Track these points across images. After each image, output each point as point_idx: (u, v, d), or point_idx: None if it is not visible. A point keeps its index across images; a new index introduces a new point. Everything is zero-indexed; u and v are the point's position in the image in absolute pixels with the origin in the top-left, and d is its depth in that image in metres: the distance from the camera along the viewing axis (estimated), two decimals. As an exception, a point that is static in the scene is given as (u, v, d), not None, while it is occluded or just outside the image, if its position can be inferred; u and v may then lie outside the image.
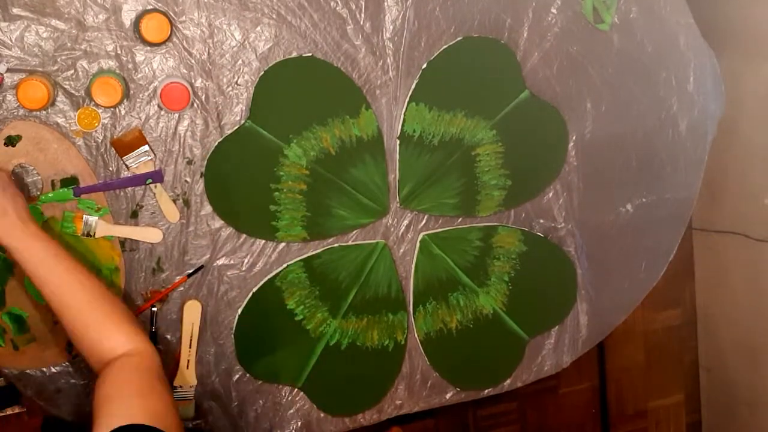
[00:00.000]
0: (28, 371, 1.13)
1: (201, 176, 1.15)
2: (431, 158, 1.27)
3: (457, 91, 1.26)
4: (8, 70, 1.04)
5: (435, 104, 1.25)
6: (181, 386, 1.19)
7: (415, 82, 1.23)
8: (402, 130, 1.24)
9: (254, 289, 1.21)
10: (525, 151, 1.32)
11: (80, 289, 0.94)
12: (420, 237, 1.29)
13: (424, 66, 1.23)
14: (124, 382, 0.89)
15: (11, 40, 1.03)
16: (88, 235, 1.10)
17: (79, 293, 0.94)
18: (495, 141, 1.30)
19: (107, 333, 0.93)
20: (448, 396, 1.37)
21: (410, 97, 1.23)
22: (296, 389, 1.27)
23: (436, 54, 1.23)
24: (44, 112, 1.06)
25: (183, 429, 0.89)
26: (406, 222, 1.27)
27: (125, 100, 1.09)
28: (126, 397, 0.86)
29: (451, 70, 1.25)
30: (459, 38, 1.24)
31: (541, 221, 1.36)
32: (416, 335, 1.32)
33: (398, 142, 1.24)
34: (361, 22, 1.19)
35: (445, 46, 1.23)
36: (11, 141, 1.05)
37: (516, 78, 1.29)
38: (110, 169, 1.11)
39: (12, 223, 0.93)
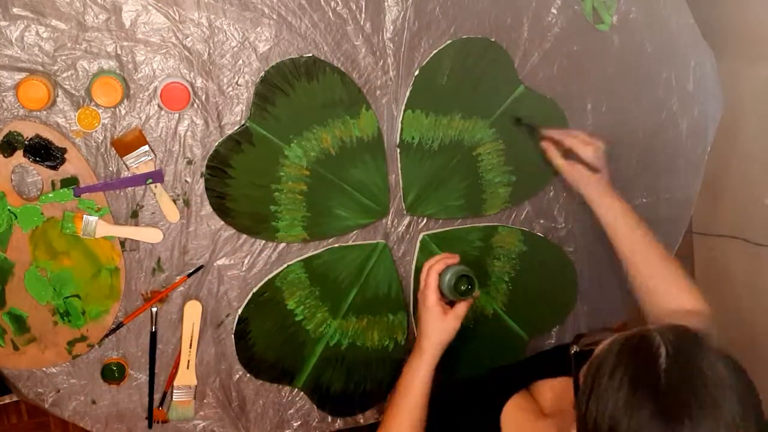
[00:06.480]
0: (28, 371, 1.13)
1: (201, 176, 1.15)
2: (433, 163, 1.26)
3: (451, 94, 1.25)
4: (8, 70, 1.04)
5: (431, 109, 1.25)
6: (181, 386, 1.19)
7: (409, 89, 1.23)
8: (401, 138, 1.24)
9: (254, 289, 1.21)
10: (526, 144, 1.31)
11: (646, 252, 1.15)
12: (420, 237, 1.29)
13: (417, 73, 1.23)
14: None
15: (11, 40, 1.03)
16: (89, 235, 1.10)
17: (645, 256, 1.15)
18: (495, 139, 1.30)
19: (668, 293, 1.12)
20: (448, 396, 1.37)
21: (406, 104, 1.23)
22: (296, 389, 1.27)
23: (426, 60, 1.23)
24: (44, 112, 1.07)
25: None
26: (406, 222, 1.27)
27: (125, 100, 1.09)
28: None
29: (443, 74, 1.24)
30: (447, 41, 1.23)
31: (542, 221, 1.36)
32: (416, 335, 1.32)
33: (398, 150, 1.24)
34: (362, 23, 1.18)
35: (434, 51, 1.23)
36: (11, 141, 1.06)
37: (510, 74, 1.28)
38: (110, 169, 1.11)
39: (602, 191, 1.20)
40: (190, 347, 1.18)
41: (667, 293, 1.12)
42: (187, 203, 1.15)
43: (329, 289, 1.25)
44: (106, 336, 1.15)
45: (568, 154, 1.24)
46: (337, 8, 1.17)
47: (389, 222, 1.27)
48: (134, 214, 1.13)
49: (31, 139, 1.06)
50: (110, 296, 1.14)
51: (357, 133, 1.21)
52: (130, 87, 1.10)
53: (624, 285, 1.45)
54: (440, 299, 1.11)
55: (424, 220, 1.28)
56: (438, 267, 1.12)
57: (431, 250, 1.29)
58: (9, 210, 1.07)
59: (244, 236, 1.19)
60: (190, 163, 1.14)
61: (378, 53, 1.20)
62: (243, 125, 1.15)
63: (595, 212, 1.21)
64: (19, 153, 1.06)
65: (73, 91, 1.07)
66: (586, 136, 1.23)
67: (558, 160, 1.24)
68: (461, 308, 1.11)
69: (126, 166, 1.11)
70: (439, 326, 1.10)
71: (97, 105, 1.08)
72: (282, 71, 1.15)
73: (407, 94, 1.23)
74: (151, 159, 1.12)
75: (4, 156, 1.06)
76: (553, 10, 1.29)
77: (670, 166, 1.43)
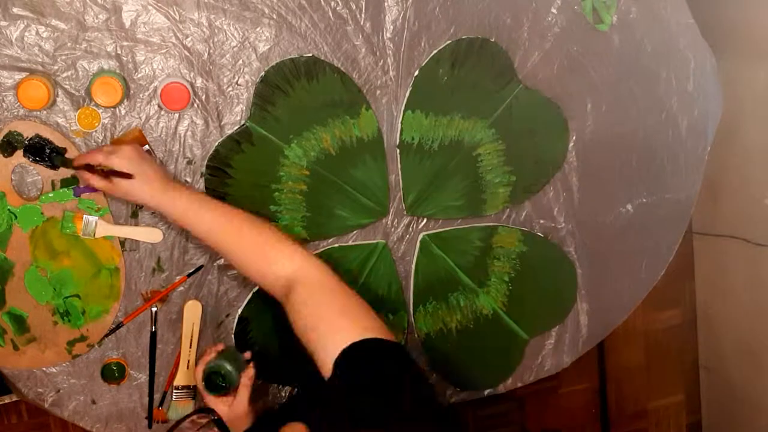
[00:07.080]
0: (28, 371, 1.13)
1: (201, 176, 1.15)
2: (433, 163, 1.26)
3: (451, 95, 1.25)
4: (8, 69, 1.04)
5: (431, 110, 1.25)
6: (181, 386, 1.19)
7: (409, 89, 1.23)
8: (401, 138, 1.24)
9: (254, 289, 1.21)
10: (526, 144, 1.32)
11: (228, 226, 1.02)
12: (420, 237, 1.29)
13: (417, 73, 1.23)
14: (316, 310, 0.97)
15: (11, 40, 1.03)
16: (88, 234, 1.10)
17: (228, 231, 1.02)
18: (495, 139, 1.30)
19: (267, 260, 1.01)
20: (448, 396, 1.37)
21: (405, 104, 1.23)
22: (296, 389, 1.27)
23: (426, 60, 1.23)
24: (44, 112, 1.06)
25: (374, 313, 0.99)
26: (406, 222, 1.27)
27: (125, 100, 1.09)
28: (329, 322, 0.96)
29: (443, 74, 1.24)
30: (447, 41, 1.23)
31: (542, 221, 1.36)
32: (416, 335, 1.32)
33: (398, 150, 1.24)
34: (362, 23, 1.18)
35: (434, 51, 1.23)
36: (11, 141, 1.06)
37: (509, 74, 1.28)
38: (110, 169, 1.11)
39: (157, 188, 1.02)
40: (190, 347, 1.18)
41: (266, 260, 1.02)
42: (187, 203, 1.15)
43: (329, 289, 1.25)
44: (106, 336, 1.15)
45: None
46: (337, 8, 1.17)
47: (389, 222, 1.27)
48: (134, 214, 1.13)
49: (31, 139, 1.06)
50: (110, 296, 1.14)
51: (357, 133, 1.21)
52: (130, 87, 1.10)
53: (623, 284, 1.46)
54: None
55: (424, 220, 1.28)
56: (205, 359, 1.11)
57: (431, 250, 1.29)
58: (9, 210, 1.07)
59: (244, 236, 1.19)
60: (190, 163, 1.14)
61: (378, 53, 1.20)
62: (243, 125, 1.15)
63: (165, 215, 1.06)
64: (19, 153, 1.06)
65: (73, 91, 1.07)
66: (108, 146, 1.05)
67: (99, 183, 1.04)
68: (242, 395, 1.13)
69: (126, 166, 1.11)
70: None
71: (97, 105, 1.08)
72: (282, 71, 1.15)
73: (407, 94, 1.23)
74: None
75: (4, 156, 1.06)
76: (553, 10, 1.29)
77: (670, 166, 1.43)
